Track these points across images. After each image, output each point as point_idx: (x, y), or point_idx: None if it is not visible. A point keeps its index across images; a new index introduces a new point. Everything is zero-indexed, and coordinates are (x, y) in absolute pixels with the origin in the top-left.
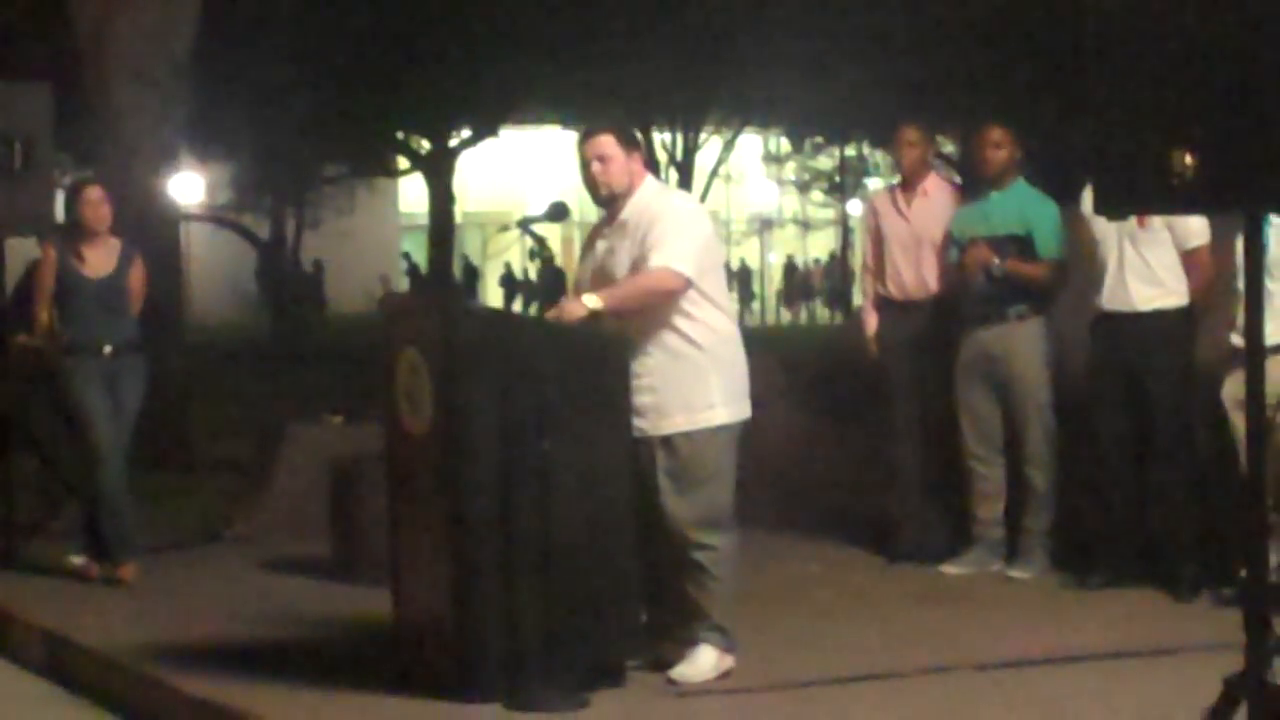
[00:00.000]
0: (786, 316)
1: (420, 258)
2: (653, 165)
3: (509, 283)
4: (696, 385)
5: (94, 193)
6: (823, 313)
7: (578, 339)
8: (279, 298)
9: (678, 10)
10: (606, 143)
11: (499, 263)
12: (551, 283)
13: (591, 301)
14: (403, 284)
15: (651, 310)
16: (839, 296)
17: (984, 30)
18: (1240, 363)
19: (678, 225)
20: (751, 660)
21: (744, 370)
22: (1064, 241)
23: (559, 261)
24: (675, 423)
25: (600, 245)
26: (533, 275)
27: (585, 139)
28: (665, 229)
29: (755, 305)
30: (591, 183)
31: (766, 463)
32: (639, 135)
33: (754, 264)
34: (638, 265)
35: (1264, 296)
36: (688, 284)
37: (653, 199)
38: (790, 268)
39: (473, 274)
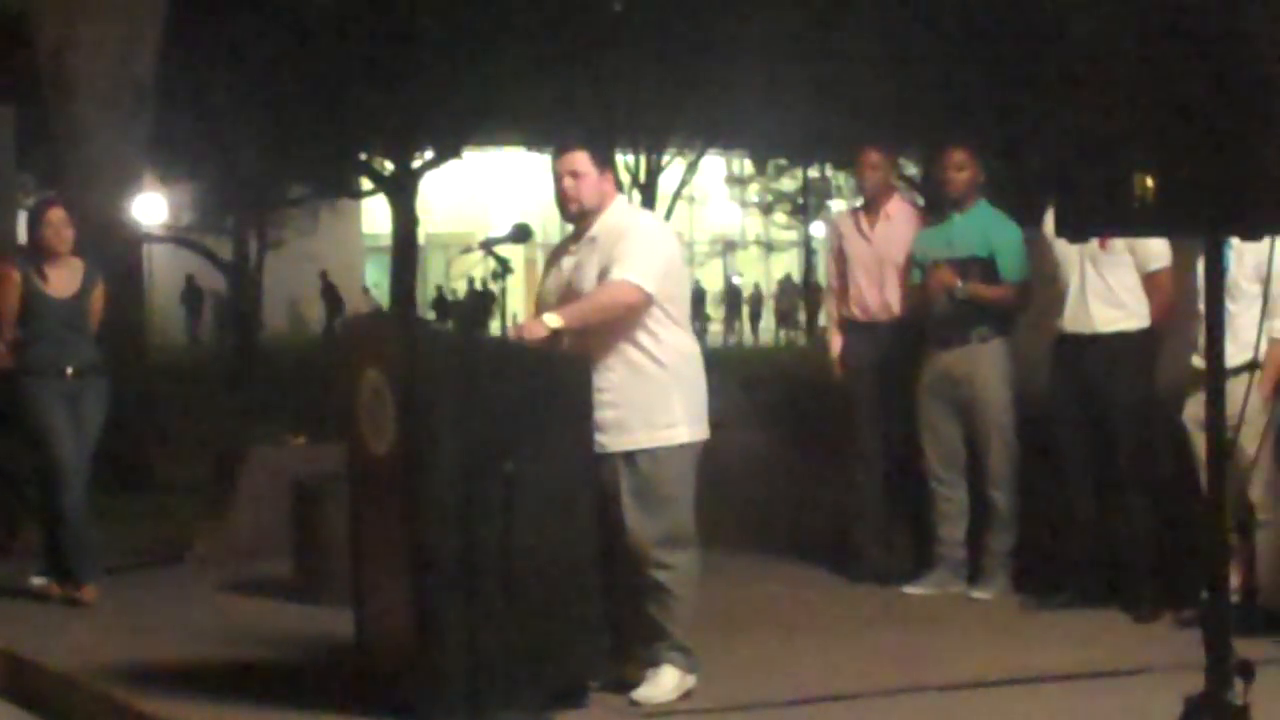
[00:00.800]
0: (738, 338)
1: (382, 279)
2: (616, 187)
3: (440, 305)
4: (659, 402)
5: (56, 214)
6: (774, 334)
7: (540, 360)
8: (243, 320)
9: (642, 33)
10: (580, 159)
11: (463, 284)
12: (475, 305)
13: (552, 321)
14: (315, 306)
15: (617, 326)
16: (785, 317)
17: (947, 53)
18: (1201, 384)
19: (642, 241)
20: (714, 681)
21: (704, 391)
22: (1026, 263)
23: (518, 281)
24: (637, 439)
25: (567, 261)
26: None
27: (559, 154)
28: (629, 245)
29: (713, 327)
30: (563, 198)
31: (729, 483)
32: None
33: (719, 285)
34: (601, 280)
35: (1224, 319)
36: (648, 299)
37: (622, 217)
38: (730, 289)
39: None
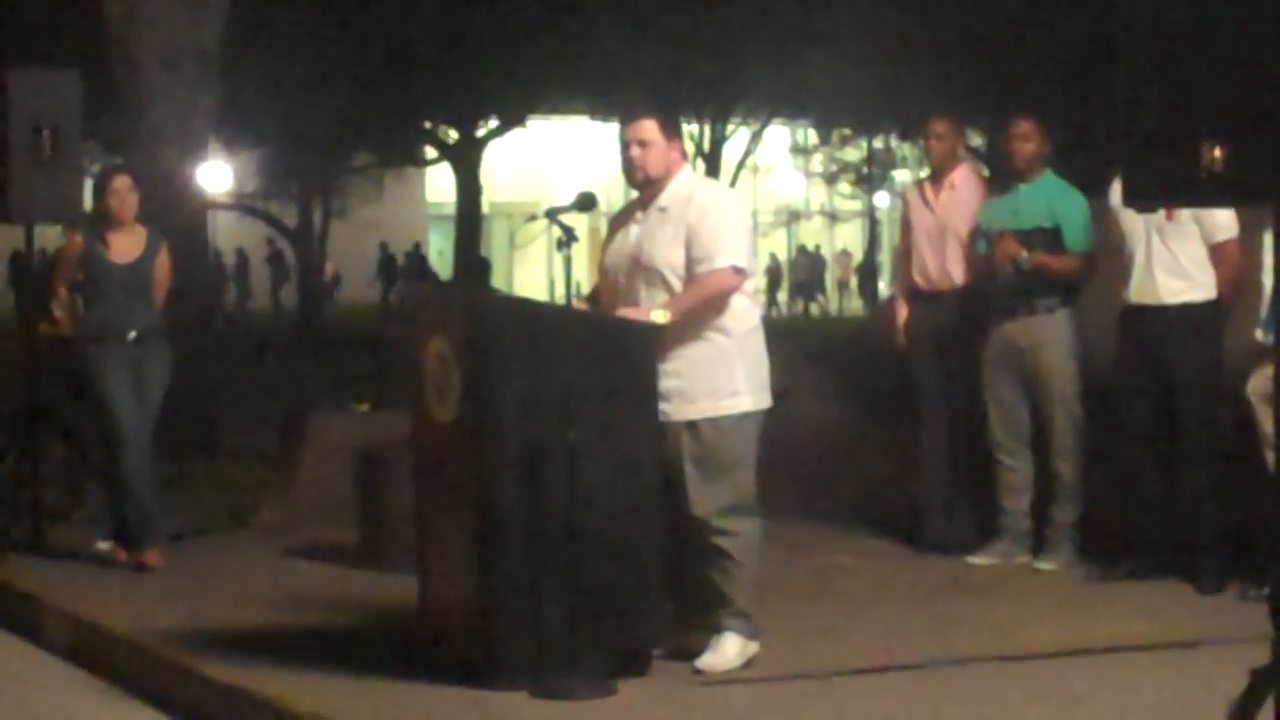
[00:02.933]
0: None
1: (446, 247)
2: (682, 156)
3: (388, 265)
4: (723, 372)
5: (121, 182)
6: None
7: (605, 327)
8: (307, 286)
9: (707, 2)
10: (649, 128)
11: (526, 253)
12: (420, 273)
13: (660, 318)
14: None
15: None
16: (802, 288)
17: (1013, 23)
18: (1266, 358)
19: (727, 221)
20: (778, 649)
21: (766, 360)
22: (1092, 234)
23: (584, 249)
24: (700, 408)
25: (635, 230)
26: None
27: (627, 122)
28: (718, 227)
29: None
30: (629, 166)
31: (794, 453)
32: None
33: (781, 256)
34: (693, 261)
35: None
36: (745, 277)
37: (696, 189)
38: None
39: (390, 263)
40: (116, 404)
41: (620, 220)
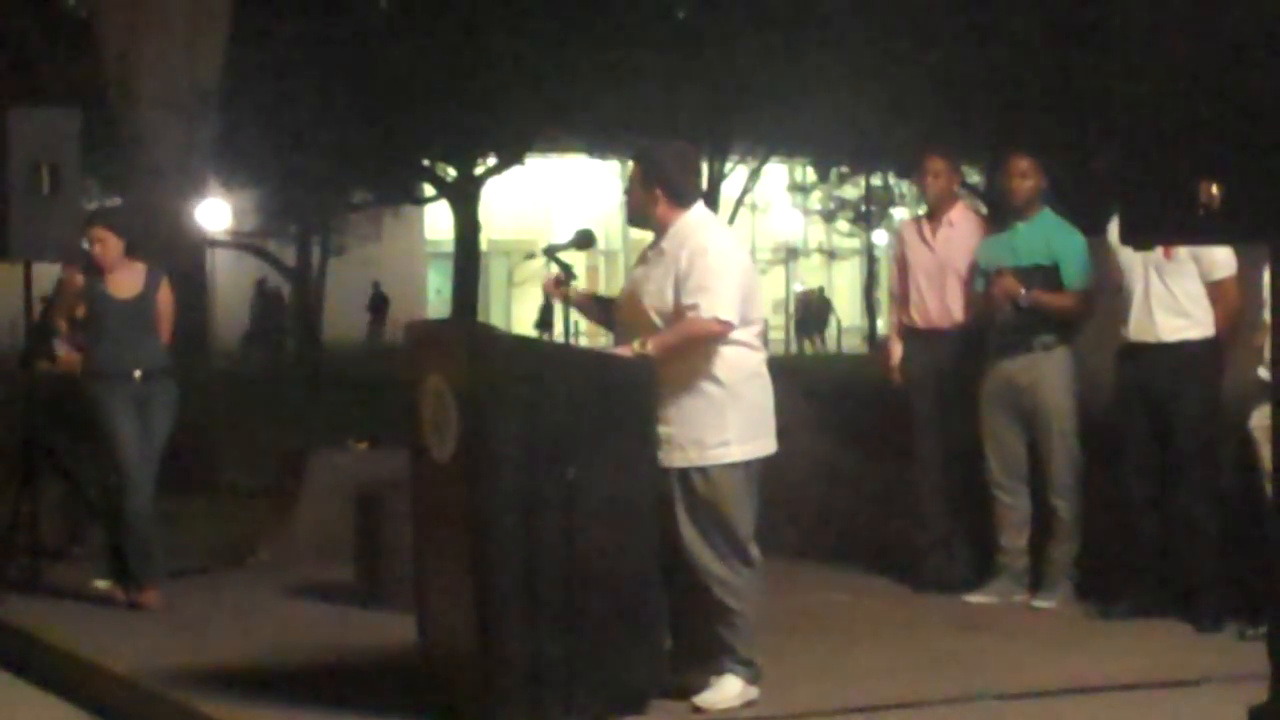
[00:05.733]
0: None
1: (445, 285)
2: (676, 200)
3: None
4: (712, 422)
5: (97, 231)
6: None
7: (603, 366)
8: (308, 326)
9: (704, 40)
10: (632, 173)
11: (524, 290)
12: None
13: (642, 347)
14: None
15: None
16: None
17: (1011, 60)
18: (1267, 395)
19: (722, 268)
20: (774, 688)
21: (767, 407)
22: (1090, 272)
23: (583, 285)
24: (688, 456)
25: (638, 270)
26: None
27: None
28: (709, 273)
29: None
30: None
31: (790, 491)
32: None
33: (779, 294)
34: (679, 302)
35: None
36: (731, 328)
37: (691, 234)
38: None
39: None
40: (122, 442)
41: (638, 260)
